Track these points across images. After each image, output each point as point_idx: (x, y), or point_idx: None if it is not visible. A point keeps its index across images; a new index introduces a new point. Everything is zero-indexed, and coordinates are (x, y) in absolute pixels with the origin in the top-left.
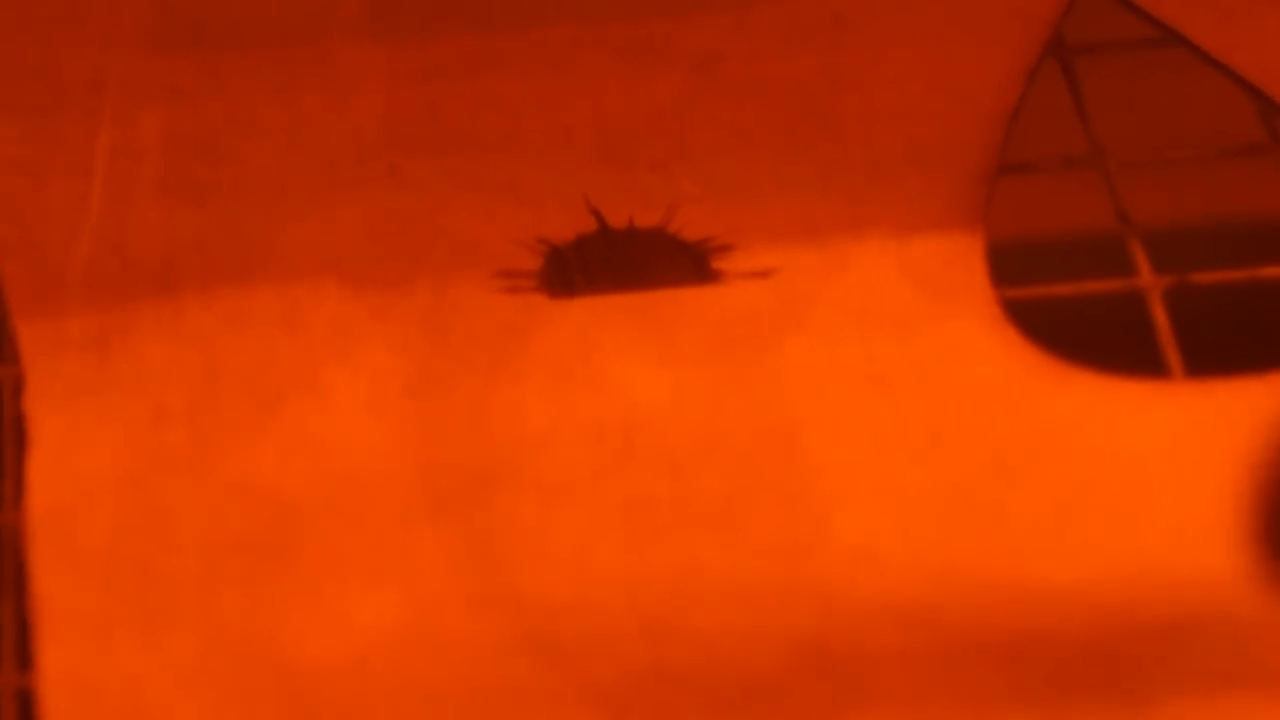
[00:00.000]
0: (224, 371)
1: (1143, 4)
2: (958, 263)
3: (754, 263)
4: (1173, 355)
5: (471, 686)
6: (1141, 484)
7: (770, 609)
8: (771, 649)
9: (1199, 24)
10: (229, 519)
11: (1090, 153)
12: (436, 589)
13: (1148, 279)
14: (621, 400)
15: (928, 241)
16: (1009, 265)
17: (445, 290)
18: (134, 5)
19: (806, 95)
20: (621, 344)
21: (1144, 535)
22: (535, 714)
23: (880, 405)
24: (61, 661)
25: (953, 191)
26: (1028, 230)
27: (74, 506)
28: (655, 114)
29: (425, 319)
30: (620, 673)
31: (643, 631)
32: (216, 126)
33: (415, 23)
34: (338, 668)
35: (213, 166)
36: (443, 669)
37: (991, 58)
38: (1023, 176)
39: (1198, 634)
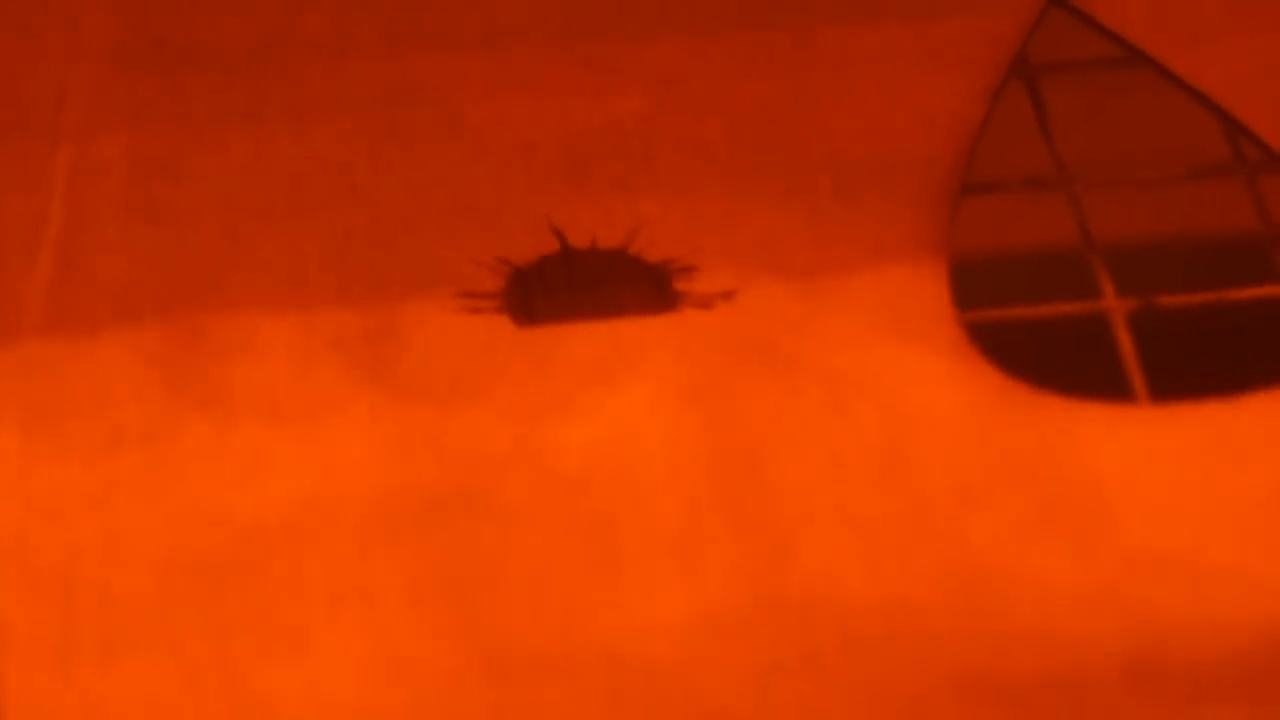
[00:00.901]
0: (182, 393)
1: (1108, 24)
2: (921, 284)
3: (716, 285)
4: (1137, 378)
5: (429, 712)
6: (1104, 509)
7: (730, 634)
8: (730, 674)
9: (1164, 44)
10: (186, 541)
11: (1055, 172)
12: (394, 614)
13: (1112, 301)
14: (582, 424)
15: (891, 263)
16: (972, 286)
17: (406, 311)
18: (96, 24)
19: (771, 115)
20: (583, 368)
21: (1105, 560)
22: None
23: (842, 429)
24: (21, 684)
25: (917, 212)
26: (991, 250)
27: (33, 528)
28: (619, 133)
29: (385, 341)
30: (579, 698)
31: (602, 657)
32: (178, 146)
33: (379, 42)
34: (295, 692)
35: (174, 186)
36: (400, 694)
37: (956, 78)
38: (987, 196)
39: (1155, 659)
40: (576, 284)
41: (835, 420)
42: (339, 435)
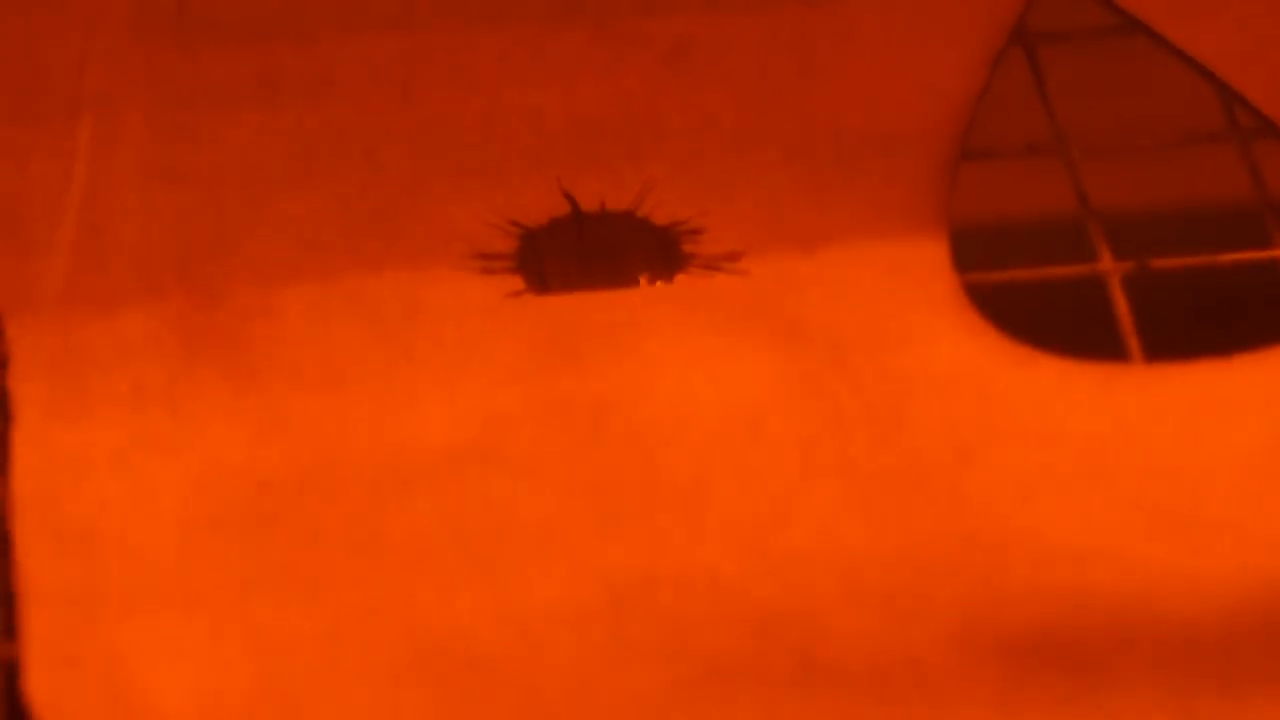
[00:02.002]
0: (201, 351)
1: None
2: (921, 246)
3: (721, 246)
4: (1132, 339)
5: (441, 658)
6: (1099, 467)
7: (734, 585)
8: (734, 624)
9: (1160, 13)
10: (206, 495)
11: (1053, 139)
12: (408, 565)
13: (1108, 264)
14: (589, 382)
15: (892, 225)
16: (972, 249)
17: (420, 271)
18: None
19: (776, 82)
20: (591, 327)
21: (1100, 515)
22: (503, 685)
23: (843, 387)
24: (45, 633)
25: (918, 176)
26: (991, 215)
27: (57, 482)
28: (627, 100)
29: (399, 300)
30: (586, 646)
31: (610, 606)
32: (196, 114)
33: (392, 12)
34: (313, 640)
35: (193, 153)
36: (413, 641)
37: (957, 45)
38: (987, 162)
39: (1149, 614)
40: (586, 245)
41: (837, 378)
42: (353, 391)
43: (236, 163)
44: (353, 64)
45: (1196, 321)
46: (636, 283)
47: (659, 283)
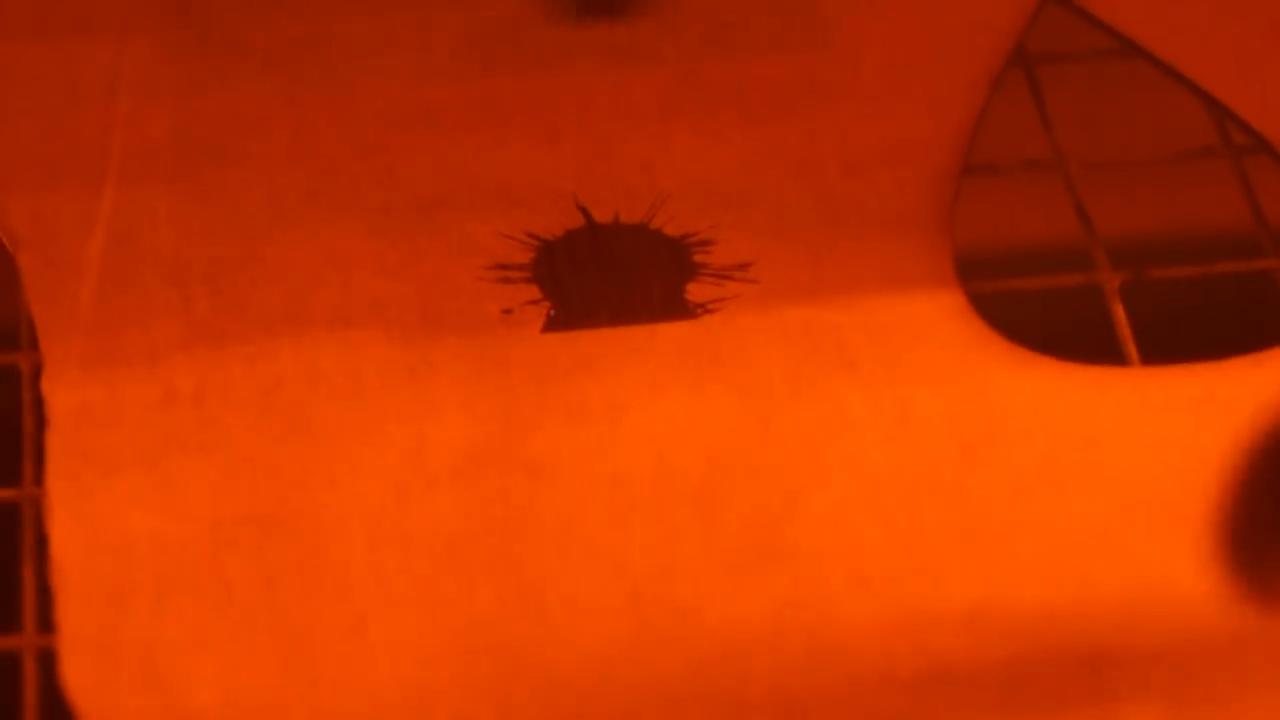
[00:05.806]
0: (229, 356)
1: (1102, 16)
2: (925, 256)
3: (732, 257)
4: (1130, 346)
5: (462, 646)
6: (1096, 464)
7: (746, 576)
8: (747, 612)
9: (1156, 35)
10: (234, 493)
11: (1052, 156)
12: (432, 559)
13: (1106, 274)
14: (605, 384)
15: (897, 236)
16: (974, 262)
17: (440, 281)
18: (145, 11)
19: (784, 99)
20: (606, 333)
21: (1098, 511)
22: (525, 672)
23: (851, 388)
24: (80, 625)
25: (921, 190)
26: (992, 229)
27: (90, 481)
28: (639, 116)
29: (420, 308)
30: (606, 635)
31: (627, 598)
32: (224, 127)
33: (411, 31)
34: (339, 630)
35: (220, 167)
36: (435, 629)
37: (959, 66)
38: (988, 179)
39: (1148, 602)
40: (601, 256)
41: (845, 380)
42: (375, 395)
43: (263, 179)
44: (374, 83)
45: (1191, 328)
46: (649, 293)
47: (672, 291)
